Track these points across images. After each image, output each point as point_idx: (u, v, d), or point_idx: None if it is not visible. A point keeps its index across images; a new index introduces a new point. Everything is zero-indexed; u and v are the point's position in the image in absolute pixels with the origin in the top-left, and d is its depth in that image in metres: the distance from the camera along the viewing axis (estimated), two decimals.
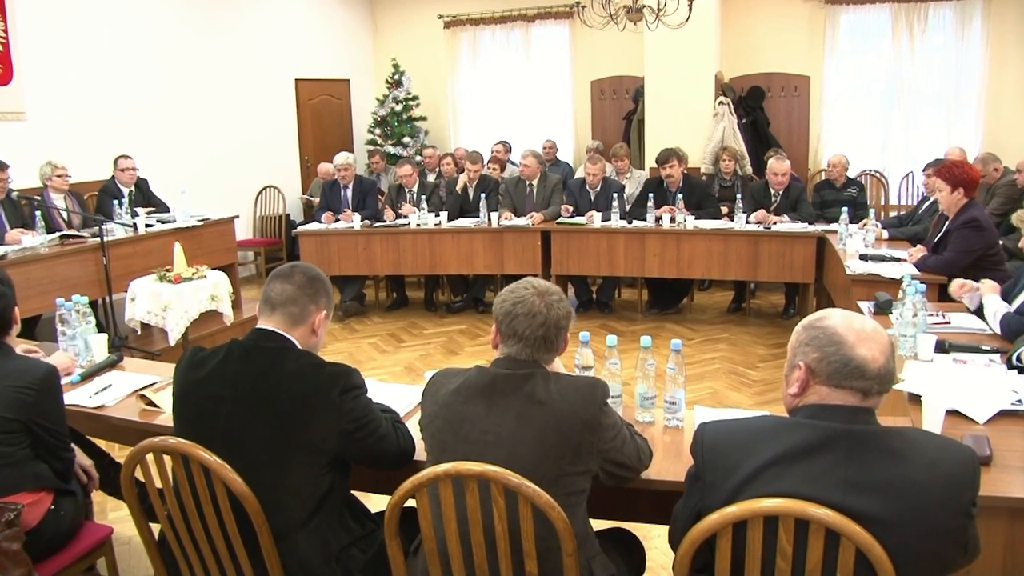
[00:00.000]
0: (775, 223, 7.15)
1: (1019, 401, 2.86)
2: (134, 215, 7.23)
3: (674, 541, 2.05)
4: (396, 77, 11.20)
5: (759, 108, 9.88)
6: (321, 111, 11.23)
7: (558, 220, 7.66)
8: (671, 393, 2.77)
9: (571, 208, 7.71)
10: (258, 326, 2.43)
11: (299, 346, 2.41)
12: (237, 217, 8.28)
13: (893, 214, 8.10)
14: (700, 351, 6.76)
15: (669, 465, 2.54)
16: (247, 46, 9.89)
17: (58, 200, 6.97)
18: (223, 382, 2.33)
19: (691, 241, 7.22)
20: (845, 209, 6.61)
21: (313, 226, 8.10)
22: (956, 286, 4.29)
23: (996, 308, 3.91)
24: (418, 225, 7.75)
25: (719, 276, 7.54)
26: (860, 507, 1.74)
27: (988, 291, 4.08)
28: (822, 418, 1.85)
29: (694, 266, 7.30)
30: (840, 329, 1.88)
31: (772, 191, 7.50)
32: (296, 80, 10.77)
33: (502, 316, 2.24)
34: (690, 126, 9.06)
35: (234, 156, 9.72)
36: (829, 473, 1.78)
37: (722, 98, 9.15)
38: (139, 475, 2.34)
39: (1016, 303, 3.86)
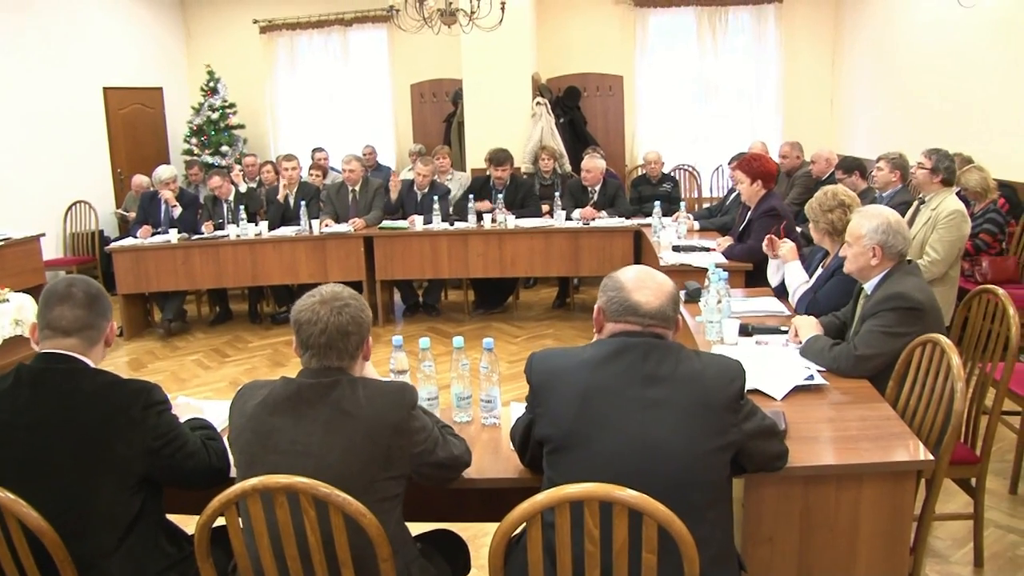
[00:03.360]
0: (593, 219, 7.33)
1: (810, 377, 3.08)
2: None
3: (517, 450, 2.47)
4: (211, 84, 10.80)
5: (576, 107, 10.13)
6: (133, 121, 10.71)
7: (380, 225, 7.62)
8: (486, 392, 2.81)
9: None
10: (44, 350, 2.33)
11: (92, 364, 2.35)
12: (43, 235, 7.84)
13: (706, 206, 8.47)
14: (527, 347, 6.84)
15: (489, 462, 2.58)
16: (48, 53, 9.31)
17: None
18: (15, 410, 2.22)
19: (513, 240, 7.32)
20: (657, 203, 6.85)
21: (128, 241, 7.73)
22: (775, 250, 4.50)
23: (796, 282, 4.18)
24: (238, 236, 7.52)
25: (542, 273, 7.69)
26: (657, 395, 2.12)
27: (788, 256, 4.36)
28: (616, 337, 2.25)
29: (517, 264, 7.40)
30: (623, 278, 2.29)
31: (590, 188, 7.70)
32: (104, 89, 10.21)
33: (292, 325, 2.25)
34: (509, 126, 9.17)
35: (39, 171, 9.13)
36: (632, 369, 2.16)
37: (539, 98, 9.32)
38: None
39: (812, 280, 4.13)
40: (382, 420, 2.13)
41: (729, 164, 7.55)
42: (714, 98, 10.62)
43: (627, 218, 7.39)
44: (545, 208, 7.81)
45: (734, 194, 7.02)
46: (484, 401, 2.83)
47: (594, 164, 7.68)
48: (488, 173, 8.07)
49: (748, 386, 2.38)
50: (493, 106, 9.27)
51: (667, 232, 6.42)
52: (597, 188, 7.70)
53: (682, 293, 4.42)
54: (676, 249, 5.99)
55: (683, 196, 9.41)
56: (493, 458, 2.61)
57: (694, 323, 3.95)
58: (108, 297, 2.49)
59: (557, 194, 7.61)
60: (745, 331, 3.71)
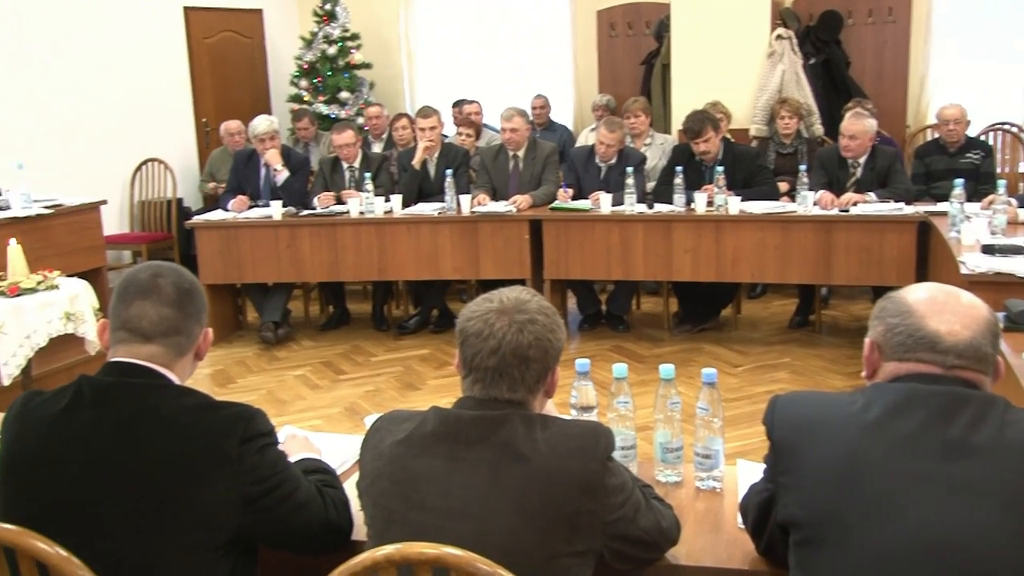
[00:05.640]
0: (854, 204, 7.13)
1: None
2: None
3: (751, 531, 2.41)
4: (328, 8, 11.14)
5: (835, 42, 9.90)
6: (224, 53, 11.16)
7: (552, 205, 7.69)
8: (704, 443, 2.76)
9: (571, 189, 7.73)
10: (116, 358, 2.38)
11: (176, 381, 2.39)
12: (105, 203, 8.23)
13: None
14: (752, 382, 6.80)
15: (706, 544, 2.52)
16: None
17: None
18: (66, 438, 2.27)
19: (736, 231, 7.24)
20: (960, 182, 6.55)
21: (217, 215, 8.06)
22: None
23: None
24: (361, 213, 7.72)
25: (777, 279, 7.59)
26: (967, 474, 1.90)
27: None
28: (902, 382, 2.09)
29: (740, 266, 7.31)
30: (912, 299, 2.15)
31: (851, 160, 7.53)
32: (186, 9, 10.63)
33: (457, 335, 2.27)
34: (735, 71, 9.11)
35: (99, 119, 9.50)
36: (927, 433, 1.96)
37: (781, 30, 9.20)
38: None
39: None
40: (567, 473, 2.11)
41: None
42: None
43: (908, 203, 7.14)
44: (784, 187, 7.68)
45: None
46: (700, 456, 2.77)
47: (860, 126, 7.38)
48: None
49: None
50: (713, 41, 9.20)
51: (974, 225, 6.19)
52: (862, 160, 7.50)
53: (1000, 318, 4.23)
54: (989, 251, 5.75)
55: (1000, 171, 9.03)
56: (711, 538, 2.55)
57: (1021, 364, 3.74)
58: (204, 295, 2.52)
59: (802, 168, 7.39)
60: None
